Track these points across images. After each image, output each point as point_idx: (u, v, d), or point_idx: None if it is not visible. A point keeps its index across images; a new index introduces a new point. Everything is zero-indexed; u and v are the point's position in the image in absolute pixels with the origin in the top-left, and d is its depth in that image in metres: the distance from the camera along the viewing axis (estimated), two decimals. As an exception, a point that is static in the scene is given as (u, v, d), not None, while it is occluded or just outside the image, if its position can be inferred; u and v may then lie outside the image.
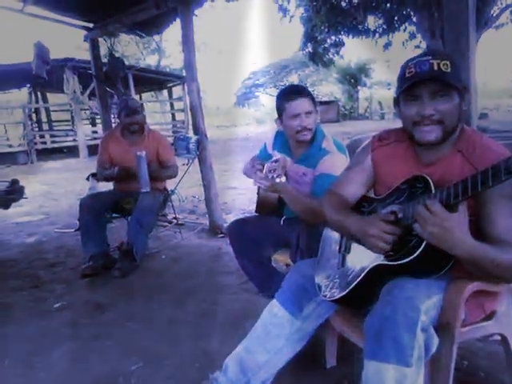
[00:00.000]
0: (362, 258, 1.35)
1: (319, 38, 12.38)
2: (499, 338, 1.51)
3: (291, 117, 2.01)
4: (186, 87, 4.35)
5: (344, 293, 1.35)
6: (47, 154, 14.06)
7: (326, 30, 11.86)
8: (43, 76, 5.39)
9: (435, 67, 1.23)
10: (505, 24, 11.61)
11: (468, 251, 1.13)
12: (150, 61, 28.10)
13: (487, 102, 23.96)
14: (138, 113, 3.38)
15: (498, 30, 11.84)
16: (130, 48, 26.65)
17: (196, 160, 3.96)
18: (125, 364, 1.94)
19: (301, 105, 1.99)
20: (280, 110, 2.07)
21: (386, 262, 1.26)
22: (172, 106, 19.11)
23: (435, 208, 1.10)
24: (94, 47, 5.17)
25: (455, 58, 2.13)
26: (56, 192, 7.43)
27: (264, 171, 1.92)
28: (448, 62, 1.23)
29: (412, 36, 12.34)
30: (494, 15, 10.57)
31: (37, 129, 15.67)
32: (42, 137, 14.80)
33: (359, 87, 31.51)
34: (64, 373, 1.92)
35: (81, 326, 2.35)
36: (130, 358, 1.99)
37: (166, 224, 4.30)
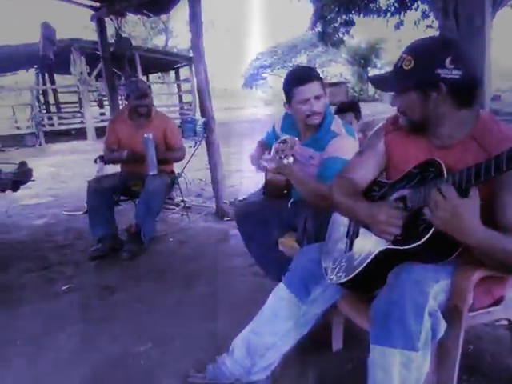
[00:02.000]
0: (369, 243, 1.34)
1: (329, 17, 12.09)
2: (506, 322, 1.51)
3: (300, 102, 1.97)
4: (193, 68, 4.29)
5: (350, 276, 1.34)
6: (55, 136, 14.10)
7: (337, 8, 11.58)
8: (50, 57, 5.37)
9: (399, 63, 1.28)
10: (521, 2, 11.25)
11: (477, 239, 1.11)
12: (158, 41, 27.85)
13: (500, 83, 23.43)
14: (148, 95, 3.36)
15: (513, 9, 11.46)
16: (138, 28, 26.40)
17: (203, 142, 3.94)
18: (134, 345, 1.97)
19: (310, 89, 1.94)
20: (288, 94, 2.02)
21: (394, 247, 1.25)
22: (179, 87, 18.99)
23: (449, 193, 1.08)
24: (101, 27, 5.11)
25: (469, 36, 2.08)
26: (64, 174, 7.48)
27: (272, 152, 1.89)
28: (411, 58, 1.24)
29: (424, 15, 12.00)
30: (510, -8, 10.23)
31: (44, 111, 15.68)
32: (49, 119, 14.82)
33: (369, 68, 30.98)
34: (73, 353, 1.95)
35: (90, 308, 2.38)
36: (139, 339, 2.02)
37: (174, 207, 4.32)
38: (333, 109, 2.11)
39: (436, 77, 1.21)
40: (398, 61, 1.30)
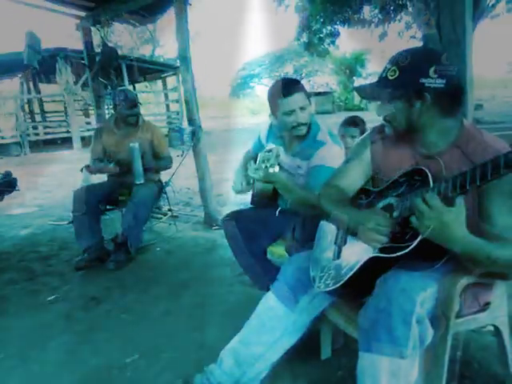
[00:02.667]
0: (357, 250, 1.35)
1: (314, 27, 12.27)
2: (492, 328, 1.52)
3: (286, 113, 1.97)
4: (180, 77, 4.30)
5: (338, 284, 1.35)
6: (40, 145, 13.94)
7: (322, 19, 11.77)
8: (35, 66, 5.32)
9: (384, 74, 1.31)
10: (500, 14, 11.57)
11: (464, 246, 1.13)
12: (144, 51, 27.82)
13: (482, 93, 23.98)
14: (137, 105, 3.37)
15: (493, 20, 11.81)
16: (124, 38, 26.37)
17: (191, 151, 3.93)
18: (120, 356, 1.94)
19: (295, 101, 1.95)
20: (273, 106, 2.02)
21: (382, 255, 1.26)
22: (167, 96, 18.97)
23: (433, 202, 1.09)
24: (87, 36, 5.09)
25: (451, 47, 2.12)
26: (49, 184, 7.38)
27: (257, 161, 1.90)
28: (396, 69, 1.27)
29: (408, 26, 12.27)
30: (490, 5, 10.52)
31: (29, 120, 15.50)
32: (34, 128, 14.65)
33: (354, 78, 31.43)
34: (58, 366, 1.91)
35: (75, 319, 2.34)
36: (125, 350, 1.98)
37: (161, 216, 4.28)
38: (319, 117, 2.13)
39: (420, 86, 1.23)
40: (382, 71, 1.32)
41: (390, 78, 1.28)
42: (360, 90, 1.43)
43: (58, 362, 1.94)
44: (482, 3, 9.64)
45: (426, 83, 1.23)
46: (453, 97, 1.28)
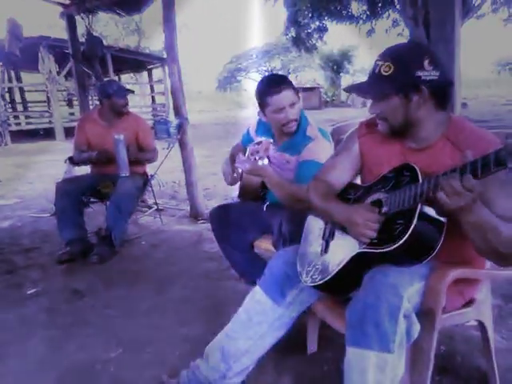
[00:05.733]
0: (345, 245, 1.35)
1: (303, 22, 12.26)
2: (476, 323, 1.54)
3: (275, 111, 1.95)
4: (166, 69, 4.25)
5: (326, 279, 1.34)
6: (22, 135, 13.64)
7: (310, 14, 11.75)
8: (16, 54, 5.19)
9: (377, 70, 1.28)
10: (486, 14, 11.72)
11: (478, 216, 1.12)
12: (130, 42, 27.40)
13: (466, 92, 24.35)
14: (127, 93, 3.39)
15: (478, 20, 11.96)
16: (109, 28, 25.93)
17: (177, 145, 3.89)
18: (104, 351, 1.91)
19: (284, 98, 1.92)
20: (262, 104, 2.00)
21: (370, 250, 1.26)
22: (152, 88, 18.74)
23: (469, 182, 1.05)
24: (71, 25, 4.98)
25: (439, 44, 2.13)
26: (31, 175, 7.23)
27: (246, 154, 1.88)
28: (390, 64, 1.24)
29: (395, 23, 12.35)
30: (476, 5, 10.65)
31: (10, 109, 15.14)
32: (16, 118, 14.33)
33: (342, 74, 31.56)
34: (40, 361, 1.87)
35: (57, 313, 2.30)
36: (109, 345, 1.95)
37: (146, 209, 4.24)
38: (307, 113, 2.11)
39: (417, 79, 1.23)
40: (374, 68, 1.30)
41: (385, 73, 1.26)
42: (353, 88, 1.40)
43: (39, 357, 1.90)
44: (468, 2, 9.74)
45: (423, 76, 1.22)
46: (445, 88, 1.29)
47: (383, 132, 1.39)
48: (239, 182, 2.29)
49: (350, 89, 1.42)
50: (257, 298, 1.54)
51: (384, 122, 1.35)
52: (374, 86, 1.30)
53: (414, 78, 1.23)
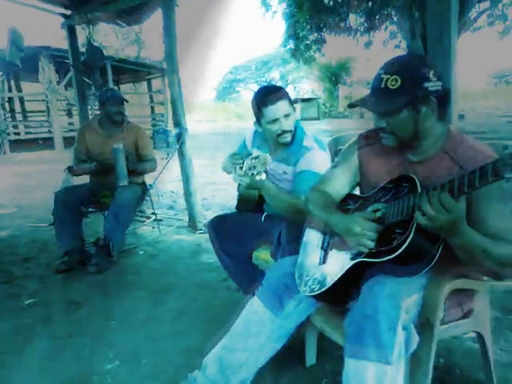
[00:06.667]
0: (344, 255, 1.35)
1: (301, 34, 12.35)
2: (475, 335, 1.54)
3: (270, 121, 1.97)
4: (166, 80, 4.27)
5: (324, 288, 1.34)
6: (21, 145, 13.64)
7: (309, 26, 11.85)
8: (17, 63, 5.21)
9: (382, 84, 1.26)
10: (482, 27, 11.85)
11: (466, 239, 1.14)
12: (130, 52, 27.60)
13: (463, 104, 24.54)
14: (123, 103, 3.35)
15: (474, 33, 12.07)
16: (109, 38, 26.12)
17: (176, 154, 3.90)
18: (100, 363, 1.89)
19: (279, 109, 1.94)
20: (258, 114, 2.01)
21: (368, 259, 1.26)
22: (151, 98, 18.83)
23: (447, 200, 1.07)
24: (72, 35, 5.02)
25: (437, 57, 2.16)
26: (30, 184, 7.22)
27: (244, 168, 1.89)
28: (397, 77, 1.24)
29: (393, 35, 12.47)
30: (472, 18, 10.78)
31: (10, 119, 15.18)
32: (15, 127, 14.35)
33: (339, 85, 31.79)
34: (36, 372, 1.85)
35: (54, 324, 2.28)
36: (106, 356, 1.94)
37: (144, 219, 4.23)
38: (304, 124, 2.12)
39: (425, 91, 1.23)
40: (378, 82, 1.28)
41: (392, 87, 1.24)
42: (360, 104, 1.36)
43: (35, 368, 1.88)
44: (464, 16, 9.86)
45: (429, 87, 1.23)
46: (446, 98, 1.29)
47: (390, 145, 1.36)
48: (237, 194, 2.29)
49: (357, 104, 1.37)
50: (255, 308, 1.53)
51: (391, 136, 1.33)
52: (384, 101, 1.26)
53: (422, 90, 1.23)
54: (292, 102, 2.02)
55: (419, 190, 1.20)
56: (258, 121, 2.04)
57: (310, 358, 1.79)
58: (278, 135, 1.99)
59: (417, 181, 1.23)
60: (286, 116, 1.96)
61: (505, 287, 1.55)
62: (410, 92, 1.23)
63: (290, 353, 1.68)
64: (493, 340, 1.56)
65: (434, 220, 1.09)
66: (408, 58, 1.32)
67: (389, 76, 1.25)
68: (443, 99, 1.28)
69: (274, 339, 1.52)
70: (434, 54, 2.17)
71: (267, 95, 1.97)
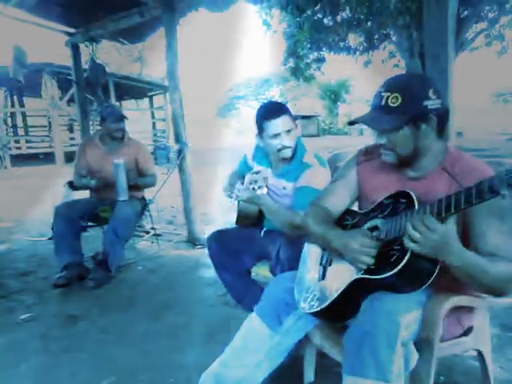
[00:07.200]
0: (343, 272, 1.34)
1: (301, 53, 12.53)
2: (475, 353, 1.52)
3: (271, 136, 1.99)
4: (168, 96, 4.32)
5: (323, 305, 1.33)
6: (22, 159, 13.71)
7: (309, 45, 12.04)
8: (20, 79, 5.28)
9: (383, 102, 1.28)
10: (479, 47, 12.02)
11: (462, 260, 1.14)
12: (132, 69, 27.90)
13: (462, 121, 24.72)
14: (123, 120, 3.37)
15: (472, 53, 12.26)
16: (112, 55, 26.43)
17: (176, 170, 3.92)
18: (96, 379, 1.87)
19: (281, 124, 1.96)
20: (260, 128, 2.04)
21: (367, 276, 1.25)
22: (153, 114, 18.99)
23: (431, 223, 1.09)
24: (75, 52, 5.10)
25: (435, 75, 2.20)
26: (30, 198, 7.22)
27: (245, 182, 1.90)
28: (398, 95, 1.26)
29: (391, 55, 12.65)
30: (470, 38, 10.95)
31: (12, 133, 15.27)
32: (17, 142, 14.44)
33: (339, 103, 32.11)
34: (31, 388, 1.83)
35: (50, 339, 2.26)
36: (102, 372, 1.91)
37: (143, 234, 4.22)
38: (304, 140, 2.15)
39: (425, 108, 1.25)
40: (379, 99, 1.30)
41: (393, 105, 1.26)
42: (361, 121, 1.38)
43: (30, 384, 1.85)
44: (461, 36, 10.03)
45: (429, 105, 1.25)
46: (446, 116, 1.32)
47: (389, 162, 1.38)
48: (237, 209, 2.30)
49: (358, 121, 1.39)
50: (253, 324, 1.52)
51: (391, 153, 1.35)
52: (385, 118, 1.28)
53: (422, 108, 1.25)
54: (294, 119, 2.04)
55: (416, 206, 1.20)
56: (260, 134, 2.06)
57: (309, 375, 1.76)
58: (279, 150, 2.01)
59: (413, 196, 1.24)
60: (288, 131, 1.98)
61: (504, 304, 1.54)
62: (411, 110, 1.25)
63: (289, 370, 1.66)
64: (493, 358, 1.55)
65: (421, 244, 1.10)
66: (408, 77, 1.35)
67: (389, 94, 1.27)
68: (442, 117, 1.30)
69: (272, 356, 1.50)
70: (432, 72, 2.21)
71: (270, 110, 2.01)
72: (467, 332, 1.41)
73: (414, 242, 1.11)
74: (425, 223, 1.09)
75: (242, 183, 1.95)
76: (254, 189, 1.85)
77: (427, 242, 1.09)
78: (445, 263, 1.16)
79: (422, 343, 1.26)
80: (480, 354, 1.49)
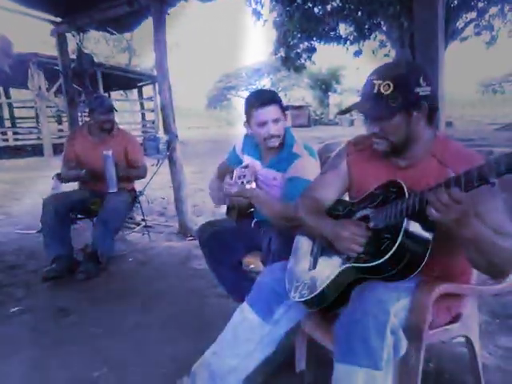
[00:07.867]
0: (333, 261, 1.35)
1: (292, 43, 12.46)
2: (463, 339, 1.55)
3: (258, 124, 1.98)
4: (157, 87, 4.28)
5: (313, 294, 1.34)
6: (9, 151, 13.50)
7: (299, 35, 11.97)
8: (5, 70, 5.17)
9: (375, 89, 1.28)
10: (469, 37, 12.06)
11: (475, 231, 1.13)
12: (121, 59, 27.57)
13: (451, 112, 24.89)
14: (112, 111, 3.33)
15: (462, 43, 12.29)
16: (100, 45, 26.11)
17: (166, 161, 3.89)
18: (88, 370, 1.87)
19: (268, 113, 1.95)
20: (248, 115, 2.03)
21: (357, 264, 1.26)
22: (142, 105, 18.80)
23: (457, 194, 1.06)
24: (62, 42, 5.00)
25: (425, 65, 2.20)
26: (18, 191, 7.14)
27: (233, 177, 1.89)
28: (390, 82, 1.25)
29: (382, 45, 12.65)
30: (460, 28, 10.98)
31: (-2, 126, 15.04)
32: (3, 134, 14.21)
33: (330, 93, 32.09)
34: (23, 380, 1.82)
35: (41, 332, 2.25)
36: (94, 364, 1.91)
37: (134, 226, 4.20)
38: (295, 130, 2.14)
39: (416, 95, 1.25)
40: (370, 87, 1.30)
41: (385, 92, 1.26)
42: (355, 109, 1.38)
43: (22, 377, 1.85)
44: (451, 25, 10.05)
45: (420, 92, 1.25)
46: (435, 104, 1.32)
47: (382, 150, 1.38)
48: (226, 202, 2.29)
49: (351, 109, 1.38)
50: (244, 314, 1.52)
51: (383, 141, 1.35)
52: (378, 106, 1.28)
53: (414, 95, 1.25)
54: (284, 109, 2.03)
55: (406, 195, 1.21)
56: (249, 122, 2.05)
57: (300, 363, 1.78)
58: (265, 139, 2.00)
59: (404, 186, 1.24)
60: (275, 121, 1.97)
61: (492, 291, 1.56)
62: (403, 97, 1.25)
63: (280, 358, 1.67)
64: (482, 344, 1.57)
65: (446, 213, 1.09)
66: (399, 64, 1.34)
67: (381, 81, 1.27)
68: (432, 104, 1.30)
69: (263, 345, 1.51)
70: (422, 61, 2.21)
71: (259, 98, 1.99)
72: (456, 319, 1.43)
73: (438, 211, 1.09)
74: (451, 194, 1.07)
75: (231, 177, 1.94)
76: (242, 183, 1.84)
77: (453, 210, 1.07)
78: (438, 244, 1.17)
79: (411, 330, 1.27)
80: (468, 340, 1.52)
